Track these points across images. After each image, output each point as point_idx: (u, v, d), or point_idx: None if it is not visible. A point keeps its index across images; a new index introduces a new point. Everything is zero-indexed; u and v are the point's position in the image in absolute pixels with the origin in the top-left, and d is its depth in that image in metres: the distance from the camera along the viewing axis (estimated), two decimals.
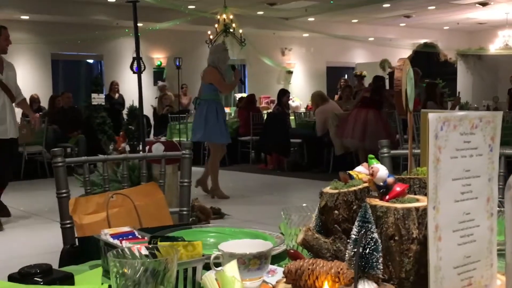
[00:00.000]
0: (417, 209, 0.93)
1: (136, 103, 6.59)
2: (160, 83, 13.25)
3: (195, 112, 7.07)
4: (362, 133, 8.07)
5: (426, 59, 16.20)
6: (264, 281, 1.14)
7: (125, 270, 0.90)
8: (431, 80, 10.52)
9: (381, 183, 0.99)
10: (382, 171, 0.99)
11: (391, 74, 16.54)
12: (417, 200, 0.97)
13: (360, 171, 1.07)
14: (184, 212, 2.12)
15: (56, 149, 1.90)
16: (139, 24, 4.55)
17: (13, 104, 5.70)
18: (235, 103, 14.00)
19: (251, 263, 1.12)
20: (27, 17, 12.44)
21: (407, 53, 17.07)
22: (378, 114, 8.29)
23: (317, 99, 9.29)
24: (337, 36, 15.62)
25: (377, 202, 0.97)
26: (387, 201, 0.97)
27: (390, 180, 0.99)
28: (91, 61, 14.54)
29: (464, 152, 0.91)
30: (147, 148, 4.98)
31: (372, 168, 1.00)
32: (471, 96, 15.75)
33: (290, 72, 16.63)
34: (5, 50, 5.72)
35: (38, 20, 12.59)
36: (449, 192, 0.89)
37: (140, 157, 2.17)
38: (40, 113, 10.63)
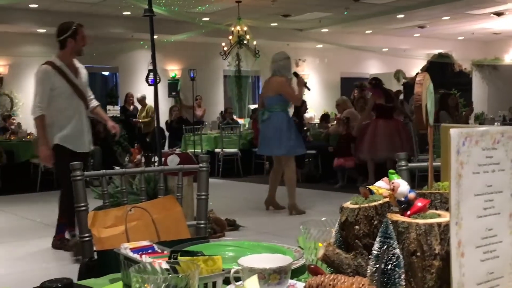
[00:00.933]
0: (439, 224, 0.92)
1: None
2: (139, 95, 12.43)
3: (264, 126, 6.54)
4: (393, 144, 7.91)
5: (440, 70, 16.14)
6: None
7: (147, 286, 0.90)
8: (445, 91, 10.49)
9: (402, 199, 0.99)
10: (403, 186, 0.99)
11: (405, 85, 16.50)
12: (439, 216, 0.96)
13: (381, 186, 1.06)
14: (202, 225, 2.12)
15: (75, 162, 1.91)
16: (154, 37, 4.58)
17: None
18: (249, 114, 14.03)
19: (271, 278, 1.12)
20: (43, 31, 12.59)
21: (421, 63, 17.04)
22: (402, 123, 8.30)
23: (343, 104, 9.41)
24: (351, 47, 15.62)
25: (398, 217, 0.96)
26: (408, 216, 0.97)
27: (411, 195, 0.98)
28: (106, 73, 14.65)
29: (486, 167, 0.91)
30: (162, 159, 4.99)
31: (393, 183, 1.00)
32: (487, 106, 15.65)
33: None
34: (82, 51, 5.02)
35: (55, 34, 12.72)
36: (472, 207, 0.89)
37: (158, 171, 2.18)
38: None
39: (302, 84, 6.40)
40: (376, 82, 8.29)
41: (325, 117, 11.80)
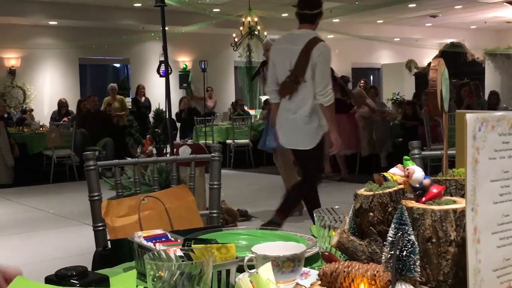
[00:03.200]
0: (454, 211, 0.92)
1: (162, 106, 6.60)
2: (111, 85, 11.38)
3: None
4: (350, 140, 8.00)
5: (453, 59, 16.01)
6: (297, 284, 1.14)
7: (162, 273, 0.90)
8: (458, 80, 10.45)
9: (417, 185, 0.98)
10: (418, 172, 0.98)
11: (417, 75, 16.40)
12: (454, 202, 0.96)
13: (395, 172, 1.06)
14: (214, 215, 2.12)
15: (88, 152, 1.92)
16: None
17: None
18: (260, 105, 14.01)
19: (285, 266, 1.12)
20: (55, 23, 12.63)
21: (433, 53, 16.91)
22: (354, 117, 8.34)
23: (359, 97, 9.41)
24: (362, 37, 15.53)
25: (413, 204, 0.96)
26: (423, 203, 0.96)
27: (427, 181, 0.97)
28: (117, 65, 14.69)
29: (503, 153, 0.90)
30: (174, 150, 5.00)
31: (407, 169, 0.99)
32: (500, 95, 15.51)
33: None
34: None
35: (66, 26, 12.78)
36: (488, 193, 0.88)
37: (170, 160, 2.18)
38: (69, 117, 10.79)
39: None
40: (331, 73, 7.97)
41: None
